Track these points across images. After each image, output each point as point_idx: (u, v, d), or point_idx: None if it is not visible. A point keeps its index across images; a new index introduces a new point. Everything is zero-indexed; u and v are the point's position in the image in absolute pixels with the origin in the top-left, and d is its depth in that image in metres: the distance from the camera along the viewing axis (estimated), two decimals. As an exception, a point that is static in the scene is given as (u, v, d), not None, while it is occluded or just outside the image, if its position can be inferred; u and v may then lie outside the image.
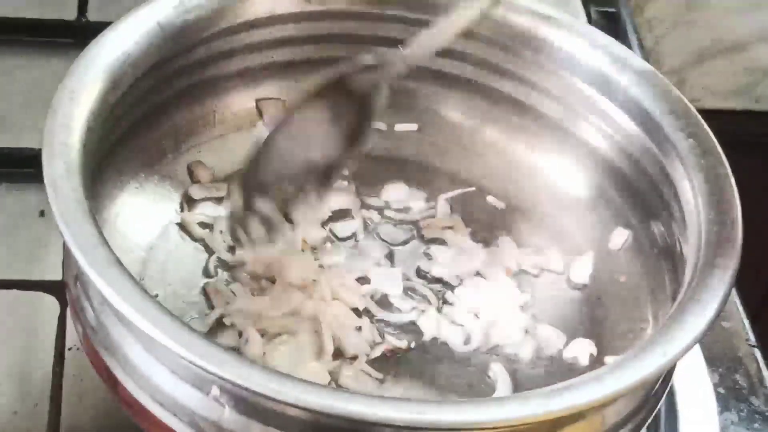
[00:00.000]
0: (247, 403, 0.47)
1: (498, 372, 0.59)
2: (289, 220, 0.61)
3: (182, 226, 0.63)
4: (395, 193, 0.68)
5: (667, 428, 0.62)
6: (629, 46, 0.66)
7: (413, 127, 0.70)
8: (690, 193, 0.57)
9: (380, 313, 0.61)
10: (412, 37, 0.60)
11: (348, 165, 0.63)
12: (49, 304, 0.63)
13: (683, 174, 0.58)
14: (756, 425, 0.63)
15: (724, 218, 0.55)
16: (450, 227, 0.66)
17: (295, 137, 0.59)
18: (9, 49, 0.79)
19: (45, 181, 0.50)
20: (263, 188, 0.59)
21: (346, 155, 0.61)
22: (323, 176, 0.61)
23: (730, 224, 0.54)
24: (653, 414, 0.54)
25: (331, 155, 0.61)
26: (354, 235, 0.65)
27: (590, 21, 0.88)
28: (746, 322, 0.68)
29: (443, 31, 0.59)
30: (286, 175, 0.60)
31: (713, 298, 0.51)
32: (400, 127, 0.70)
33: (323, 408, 0.44)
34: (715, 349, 0.66)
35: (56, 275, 0.64)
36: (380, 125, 0.69)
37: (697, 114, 0.60)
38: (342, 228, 0.66)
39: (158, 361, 0.49)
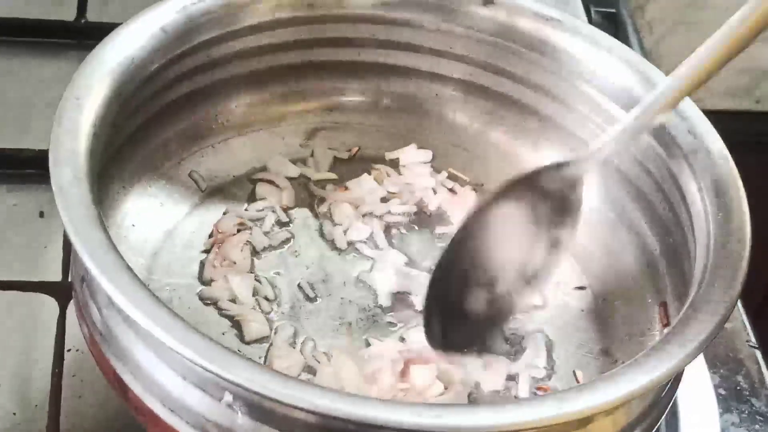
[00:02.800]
0: (260, 409, 0.47)
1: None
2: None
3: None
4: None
5: (668, 430, 0.62)
6: (630, 47, 0.65)
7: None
8: (697, 194, 0.57)
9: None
10: (602, 133, 0.59)
11: (552, 271, 0.59)
12: (49, 305, 0.63)
13: (689, 175, 0.58)
14: (757, 426, 0.63)
15: (732, 219, 0.55)
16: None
17: (489, 236, 0.57)
18: (9, 49, 0.79)
19: (53, 187, 0.50)
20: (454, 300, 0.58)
21: (549, 260, 0.59)
22: (526, 283, 0.59)
23: (737, 225, 0.54)
24: (663, 416, 0.54)
25: (531, 260, 0.59)
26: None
27: (591, 22, 0.89)
28: (747, 323, 0.69)
29: (634, 126, 0.56)
30: (482, 281, 0.58)
31: (724, 298, 0.51)
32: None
33: (337, 413, 0.44)
34: (716, 350, 0.66)
35: (56, 276, 0.64)
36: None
37: (702, 115, 0.60)
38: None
39: (169, 367, 0.49)
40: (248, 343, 0.59)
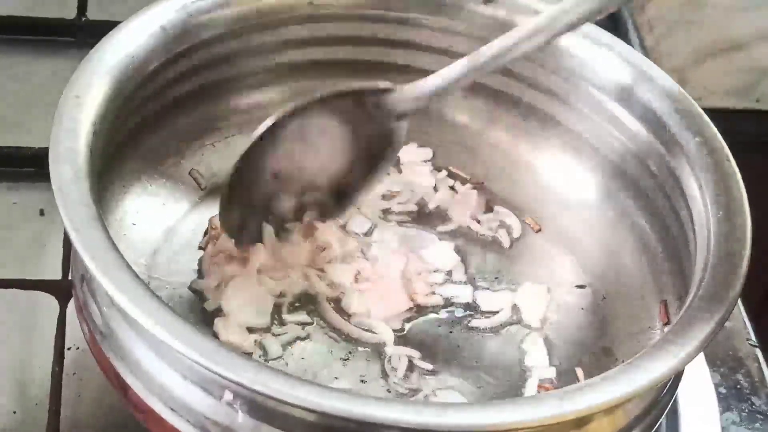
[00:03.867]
0: (260, 408, 0.47)
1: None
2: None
3: None
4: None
5: (668, 429, 0.62)
6: (630, 45, 0.65)
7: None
8: (697, 192, 0.57)
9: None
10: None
11: (361, 194, 0.63)
12: (49, 303, 0.63)
13: (690, 173, 0.58)
14: (757, 425, 0.63)
15: (733, 217, 0.55)
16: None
17: (303, 142, 0.59)
18: (9, 47, 0.79)
19: (53, 186, 0.50)
20: (261, 190, 0.60)
21: (361, 181, 0.62)
22: (335, 197, 0.62)
23: (738, 224, 0.55)
24: (664, 414, 0.54)
25: (343, 175, 0.61)
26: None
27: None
28: (747, 321, 0.69)
29: (456, 70, 0.58)
30: (291, 181, 0.60)
31: (724, 297, 0.51)
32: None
33: (338, 412, 0.44)
34: (717, 349, 0.66)
35: (56, 275, 0.64)
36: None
37: (703, 113, 0.60)
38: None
39: (169, 366, 0.49)
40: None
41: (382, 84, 0.60)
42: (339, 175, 0.62)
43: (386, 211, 0.67)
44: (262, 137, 0.58)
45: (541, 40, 0.56)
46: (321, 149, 0.60)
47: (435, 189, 0.68)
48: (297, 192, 0.61)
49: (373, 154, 0.61)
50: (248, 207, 0.60)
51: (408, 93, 0.59)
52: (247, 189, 0.59)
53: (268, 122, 0.57)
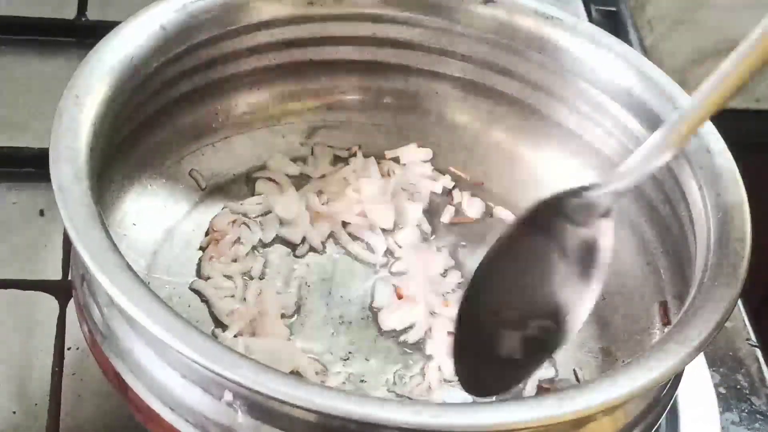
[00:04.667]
0: (260, 408, 0.47)
1: None
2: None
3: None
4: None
5: (668, 429, 0.62)
6: (630, 46, 0.65)
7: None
8: (697, 192, 0.57)
9: None
10: (625, 156, 0.55)
11: (584, 309, 0.55)
12: (49, 303, 0.63)
13: (690, 174, 0.58)
14: (757, 425, 0.63)
15: (733, 218, 0.55)
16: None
17: (515, 271, 0.55)
18: (9, 48, 0.79)
19: (53, 186, 0.50)
20: (486, 333, 0.55)
21: (580, 295, 0.55)
22: (557, 320, 0.55)
23: (738, 224, 0.54)
24: (664, 414, 0.54)
25: (559, 294, 0.55)
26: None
27: (591, 20, 0.89)
28: (747, 322, 0.69)
29: (656, 149, 0.52)
30: (512, 315, 0.56)
31: (724, 297, 0.51)
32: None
33: (337, 411, 0.44)
34: (717, 349, 0.66)
35: (56, 275, 0.64)
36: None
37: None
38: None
39: (169, 365, 0.49)
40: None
41: (579, 184, 0.55)
42: (555, 295, 0.55)
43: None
44: (475, 278, 0.55)
45: None
46: (532, 273, 0.56)
47: (436, 189, 0.68)
48: (520, 324, 0.55)
49: (583, 263, 0.55)
50: (478, 353, 0.55)
51: (607, 186, 0.54)
52: (475, 335, 0.55)
53: (481, 263, 0.54)
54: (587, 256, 0.55)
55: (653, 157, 0.52)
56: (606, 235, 0.54)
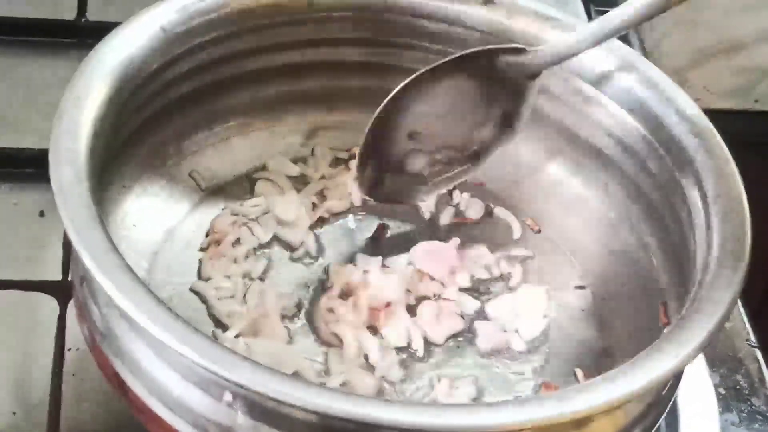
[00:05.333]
0: (260, 408, 0.47)
1: None
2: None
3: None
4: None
5: (668, 429, 0.62)
6: (630, 46, 0.65)
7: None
8: (697, 193, 0.57)
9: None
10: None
11: (493, 151, 0.65)
12: (49, 304, 0.63)
13: (690, 174, 0.58)
14: (756, 426, 0.63)
15: (732, 218, 0.55)
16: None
17: (437, 101, 0.61)
18: (9, 48, 0.79)
19: (53, 187, 0.50)
20: (396, 148, 0.62)
21: (493, 139, 0.64)
22: (470, 156, 0.64)
23: (738, 224, 0.54)
24: (663, 415, 0.54)
25: (476, 133, 0.64)
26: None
27: (590, 21, 0.88)
28: (747, 322, 0.69)
29: (586, 33, 0.59)
30: (426, 139, 0.63)
31: (724, 297, 0.51)
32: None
33: (337, 412, 0.44)
34: (716, 349, 0.66)
35: (56, 275, 0.64)
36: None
37: (702, 113, 0.60)
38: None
39: (169, 366, 0.49)
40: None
41: (514, 44, 0.62)
42: (471, 133, 0.64)
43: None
44: (396, 97, 0.60)
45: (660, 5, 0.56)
46: (454, 108, 0.63)
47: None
48: (431, 150, 0.64)
49: (505, 112, 0.63)
50: (383, 164, 0.63)
51: (539, 54, 0.61)
52: (383, 147, 0.62)
53: (403, 83, 0.60)
54: (509, 107, 0.63)
55: (585, 41, 0.59)
56: (531, 94, 0.62)
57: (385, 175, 0.64)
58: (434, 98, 0.62)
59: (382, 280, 0.62)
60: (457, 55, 0.61)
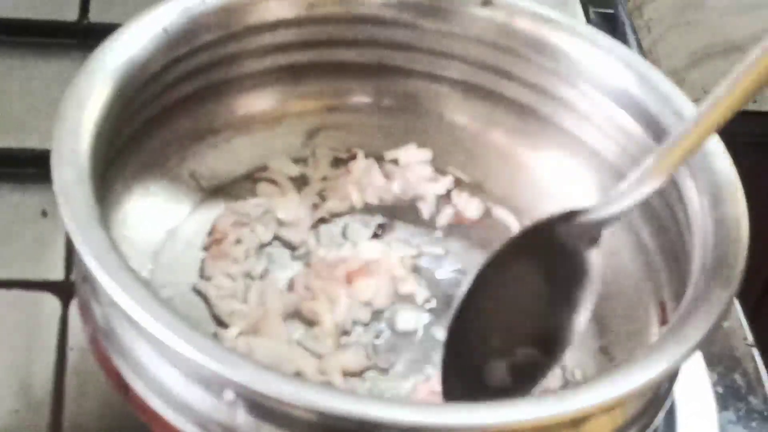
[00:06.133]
0: (261, 407, 0.47)
1: None
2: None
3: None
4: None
5: (665, 428, 0.62)
6: (628, 47, 0.66)
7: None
8: (694, 193, 0.57)
9: None
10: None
11: (570, 336, 0.55)
12: (51, 303, 0.63)
13: (687, 174, 0.58)
14: (754, 424, 0.63)
15: (730, 218, 0.55)
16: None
17: (504, 295, 0.55)
18: (10, 49, 0.79)
19: (55, 188, 0.50)
20: (474, 359, 0.55)
21: (566, 322, 0.55)
22: (543, 347, 0.55)
23: (735, 224, 0.55)
24: (661, 413, 0.54)
25: (546, 321, 0.55)
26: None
27: (589, 22, 0.89)
28: (744, 321, 0.69)
29: (648, 175, 0.52)
30: (499, 342, 0.55)
31: (721, 297, 0.51)
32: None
33: (338, 412, 0.45)
34: (714, 348, 0.67)
35: (58, 275, 0.65)
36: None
37: (700, 113, 0.60)
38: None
39: (171, 365, 0.49)
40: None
41: (570, 209, 0.54)
42: (543, 322, 0.55)
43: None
44: (462, 305, 0.54)
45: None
46: (519, 299, 0.55)
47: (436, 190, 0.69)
48: (507, 352, 0.55)
49: (571, 290, 0.55)
50: (466, 385, 0.55)
51: (598, 212, 0.54)
52: (460, 365, 0.55)
53: (465, 287, 0.54)
54: (575, 283, 0.54)
55: (645, 183, 0.51)
56: (594, 262, 0.54)
57: (469, 395, 0.54)
58: (500, 293, 0.54)
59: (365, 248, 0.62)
60: (515, 237, 0.54)
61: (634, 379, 0.48)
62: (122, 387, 0.52)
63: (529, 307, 0.55)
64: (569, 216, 0.54)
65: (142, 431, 0.52)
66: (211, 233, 0.64)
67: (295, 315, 0.61)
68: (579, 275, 0.55)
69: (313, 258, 0.64)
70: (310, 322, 0.61)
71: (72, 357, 0.60)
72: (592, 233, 0.54)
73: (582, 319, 0.55)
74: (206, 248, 0.63)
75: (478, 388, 0.54)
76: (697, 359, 0.65)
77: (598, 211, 0.53)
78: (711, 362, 0.66)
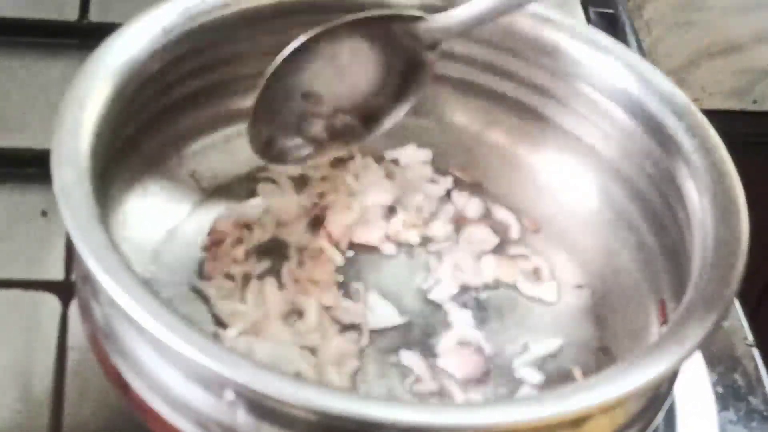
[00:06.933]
0: (261, 407, 0.47)
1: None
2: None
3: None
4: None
5: (665, 427, 0.62)
6: (628, 47, 0.66)
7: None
8: (695, 193, 0.57)
9: None
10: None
11: (390, 119, 0.63)
12: (51, 303, 0.63)
13: (687, 174, 0.58)
14: (754, 424, 0.63)
15: (730, 218, 0.55)
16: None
17: (333, 64, 0.60)
18: (10, 49, 0.79)
19: (55, 188, 0.50)
20: (290, 109, 0.60)
21: (390, 107, 0.63)
22: (363, 120, 0.63)
23: (735, 224, 0.55)
24: (661, 413, 0.54)
25: (372, 99, 0.62)
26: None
27: (589, 22, 0.89)
28: (744, 321, 0.69)
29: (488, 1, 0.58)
30: (320, 102, 0.61)
31: (721, 296, 0.51)
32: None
33: (338, 411, 0.45)
34: (714, 348, 0.66)
35: (58, 275, 0.65)
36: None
37: (700, 113, 0.60)
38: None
39: (171, 365, 0.49)
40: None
41: (412, 11, 0.60)
42: (368, 98, 0.62)
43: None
44: (290, 57, 0.59)
45: None
46: (351, 72, 0.61)
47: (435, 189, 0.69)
48: (326, 114, 0.62)
49: (403, 80, 0.62)
50: (276, 125, 0.61)
51: (439, 22, 0.59)
52: (276, 107, 0.60)
53: (297, 42, 0.58)
54: (407, 77, 0.62)
55: (485, 5, 0.58)
56: (429, 63, 0.61)
57: (277, 134, 0.62)
58: (330, 60, 0.60)
59: None
60: (353, 18, 0.60)
61: (634, 379, 0.48)
62: (122, 387, 0.52)
63: (356, 81, 0.62)
64: (411, 18, 0.60)
65: (142, 431, 0.52)
66: (210, 233, 0.64)
67: (294, 313, 0.61)
68: (412, 72, 0.61)
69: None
70: (301, 315, 0.61)
71: (72, 357, 0.60)
72: (431, 40, 0.60)
73: (404, 109, 0.63)
74: (206, 248, 0.63)
75: (287, 130, 0.62)
76: (697, 359, 0.65)
77: (438, 21, 0.59)
78: (711, 362, 0.66)
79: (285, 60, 0.59)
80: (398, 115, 0.63)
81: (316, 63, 0.60)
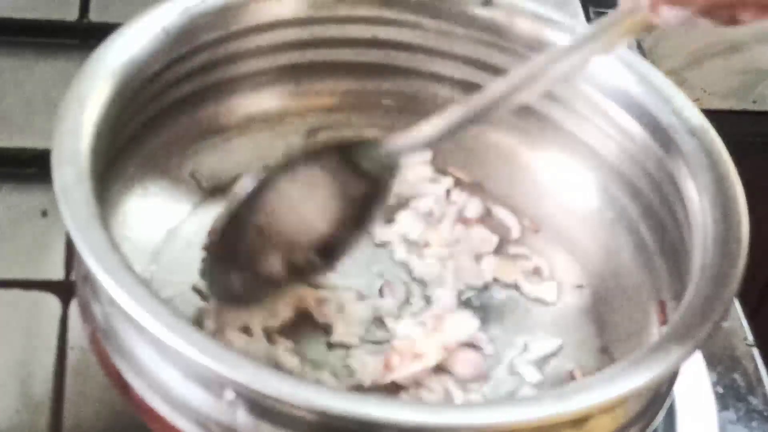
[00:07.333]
0: (261, 407, 0.47)
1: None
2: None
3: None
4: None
5: (665, 427, 0.62)
6: (628, 47, 0.66)
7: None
8: (694, 193, 0.57)
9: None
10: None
11: (348, 249, 0.60)
12: (51, 303, 0.63)
13: (687, 174, 0.58)
14: (754, 424, 0.63)
15: (730, 218, 0.55)
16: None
17: (289, 199, 0.58)
18: (10, 49, 0.79)
19: (55, 188, 0.50)
20: (245, 249, 0.58)
21: (347, 235, 0.60)
22: (322, 253, 0.60)
23: (735, 224, 0.55)
24: (661, 413, 0.54)
25: (330, 231, 0.59)
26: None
27: (589, 22, 0.89)
28: (744, 321, 0.69)
29: (449, 119, 0.56)
30: (277, 239, 0.58)
31: (721, 296, 0.51)
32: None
33: (338, 411, 0.45)
34: (714, 348, 0.67)
35: (58, 275, 0.65)
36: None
37: (700, 113, 0.61)
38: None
39: (171, 365, 0.49)
40: None
41: (370, 137, 0.59)
42: (326, 230, 0.60)
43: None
44: (246, 196, 0.56)
45: (536, 88, 0.55)
46: (307, 206, 0.59)
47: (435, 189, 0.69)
48: (285, 250, 0.59)
49: (360, 206, 0.59)
50: (233, 268, 0.58)
51: (396, 145, 0.58)
52: (231, 249, 0.57)
53: (250, 182, 0.56)
54: (367, 203, 0.59)
55: (445, 124, 0.55)
56: (386, 188, 0.58)
57: (232, 274, 0.58)
58: (285, 195, 0.58)
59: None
60: (309, 149, 0.59)
61: (634, 379, 0.48)
62: (122, 386, 0.52)
63: (314, 214, 0.59)
64: (370, 145, 0.58)
65: (142, 431, 0.52)
66: (210, 233, 0.64)
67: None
68: (372, 197, 0.59)
69: None
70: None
71: (72, 357, 0.60)
72: (389, 162, 0.58)
73: (362, 236, 0.60)
74: (206, 248, 0.63)
75: (245, 271, 0.58)
76: (697, 359, 0.65)
77: (396, 144, 0.57)
78: (711, 362, 0.66)
79: (239, 201, 0.57)
80: (356, 243, 0.60)
81: (270, 199, 0.57)
